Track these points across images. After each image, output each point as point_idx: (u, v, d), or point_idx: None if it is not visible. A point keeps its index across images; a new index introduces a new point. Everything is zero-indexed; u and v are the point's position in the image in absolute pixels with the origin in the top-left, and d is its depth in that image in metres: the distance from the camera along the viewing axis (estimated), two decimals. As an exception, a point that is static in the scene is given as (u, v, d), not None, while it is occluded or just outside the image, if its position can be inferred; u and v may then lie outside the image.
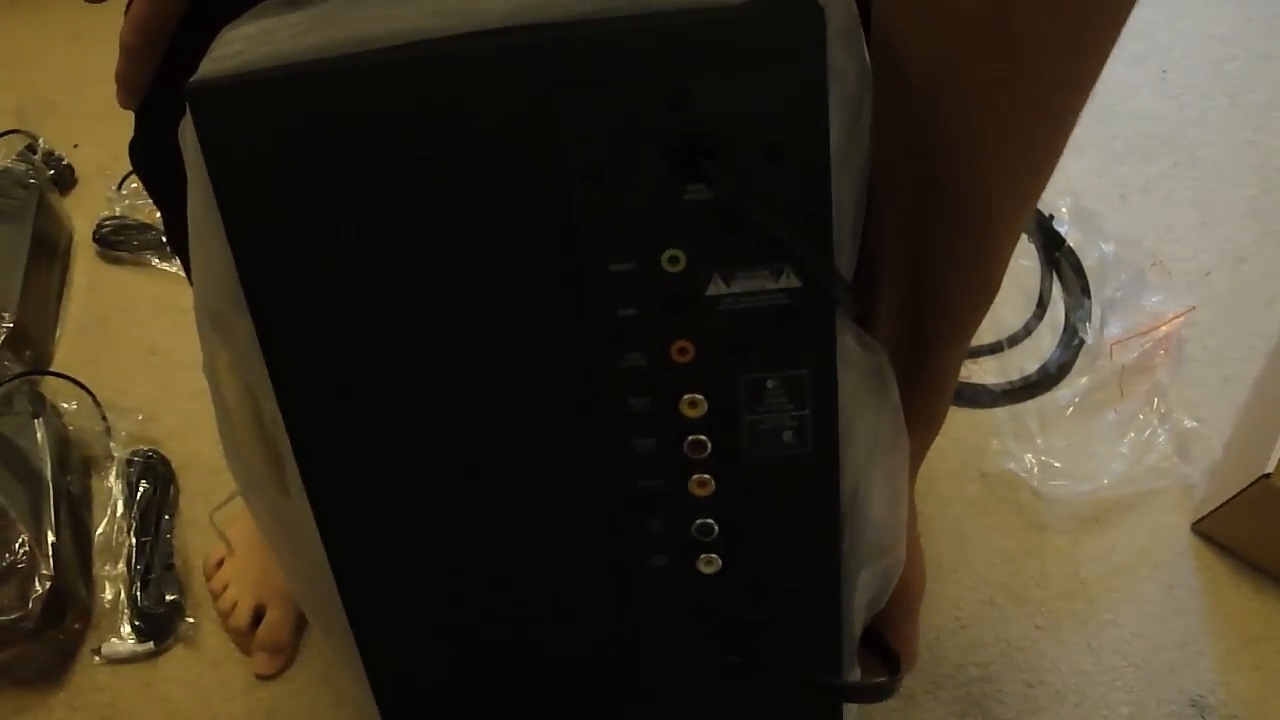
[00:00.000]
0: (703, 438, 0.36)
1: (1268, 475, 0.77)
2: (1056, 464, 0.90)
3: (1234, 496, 0.81)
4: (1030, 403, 0.95)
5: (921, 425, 0.40)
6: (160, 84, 0.41)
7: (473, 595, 0.40)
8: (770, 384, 0.35)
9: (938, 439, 0.44)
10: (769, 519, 0.38)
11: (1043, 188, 0.36)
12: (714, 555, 0.39)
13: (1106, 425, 0.92)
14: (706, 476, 0.37)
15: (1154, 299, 0.97)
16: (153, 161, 0.49)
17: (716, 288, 0.34)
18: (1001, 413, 0.95)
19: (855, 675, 0.43)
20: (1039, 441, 0.92)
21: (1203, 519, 0.86)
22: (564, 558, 0.39)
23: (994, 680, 0.81)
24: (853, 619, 0.41)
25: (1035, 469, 0.90)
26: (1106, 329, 0.97)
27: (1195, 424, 0.92)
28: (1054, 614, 0.85)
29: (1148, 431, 0.91)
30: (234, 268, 0.34)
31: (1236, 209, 1.08)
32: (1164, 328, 0.95)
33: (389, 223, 0.33)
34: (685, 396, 0.36)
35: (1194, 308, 0.97)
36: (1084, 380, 0.95)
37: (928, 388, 0.40)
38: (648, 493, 0.38)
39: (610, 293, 0.34)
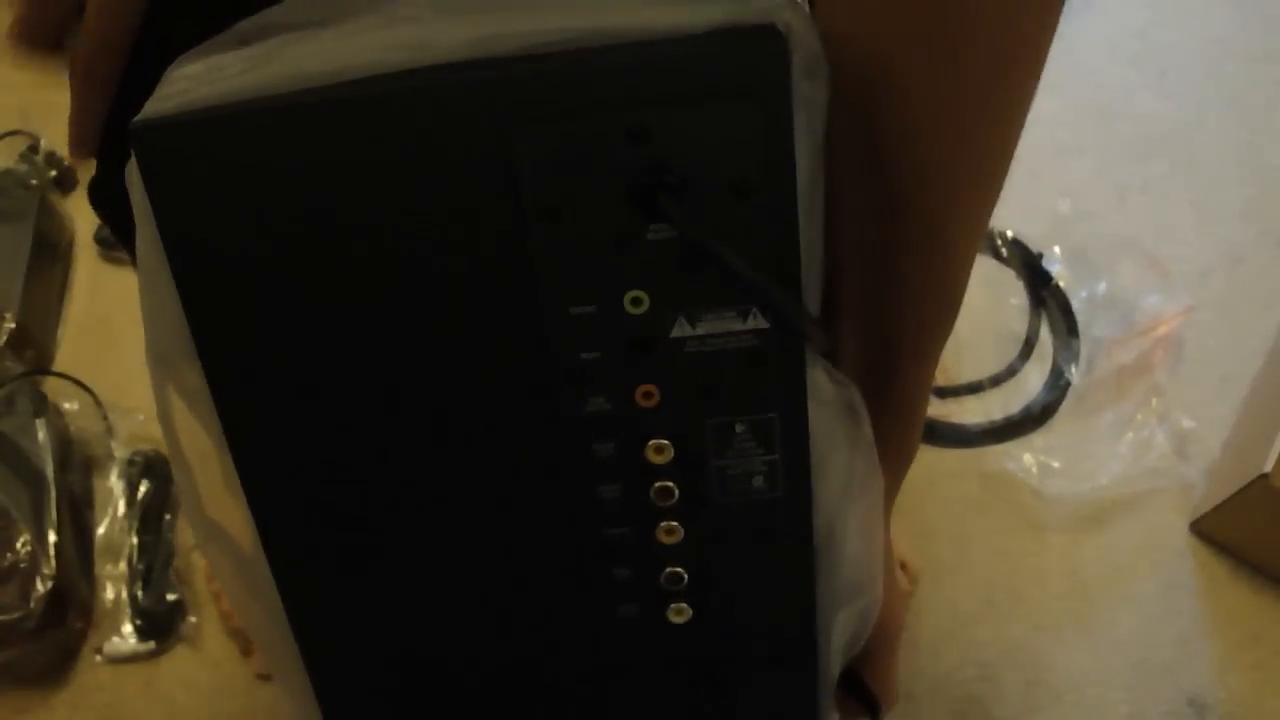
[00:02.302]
0: (670, 484, 0.35)
1: (1266, 475, 0.77)
2: (1055, 464, 0.90)
3: (1232, 496, 0.81)
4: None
5: (894, 454, 0.39)
6: (119, 122, 0.38)
7: (437, 647, 0.39)
8: (739, 428, 0.34)
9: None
10: (740, 566, 0.37)
11: (994, 193, 0.35)
12: (684, 604, 0.38)
13: (1105, 425, 0.92)
14: (674, 524, 0.36)
15: (1152, 299, 0.97)
16: (114, 201, 0.46)
17: (681, 329, 0.33)
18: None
19: None
20: (1038, 441, 0.92)
21: (1201, 518, 0.86)
22: (530, 608, 0.38)
23: (993, 680, 0.82)
24: (830, 663, 0.40)
25: (1034, 469, 0.90)
26: (1105, 331, 0.97)
27: (1193, 424, 0.92)
28: (1053, 613, 0.85)
29: (1146, 431, 0.91)
30: (184, 311, 0.33)
31: (1234, 209, 1.08)
32: (1162, 328, 0.95)
33: (341, 264, 0.32)
34: (651, 442, 0.35)
35: (1192, 308, 0.97)
36: (1082, 381, 0.95)
37: (895, 410, 0.39)
38: (614, 541, 0.36)
39: (572, 336, 0.33)
